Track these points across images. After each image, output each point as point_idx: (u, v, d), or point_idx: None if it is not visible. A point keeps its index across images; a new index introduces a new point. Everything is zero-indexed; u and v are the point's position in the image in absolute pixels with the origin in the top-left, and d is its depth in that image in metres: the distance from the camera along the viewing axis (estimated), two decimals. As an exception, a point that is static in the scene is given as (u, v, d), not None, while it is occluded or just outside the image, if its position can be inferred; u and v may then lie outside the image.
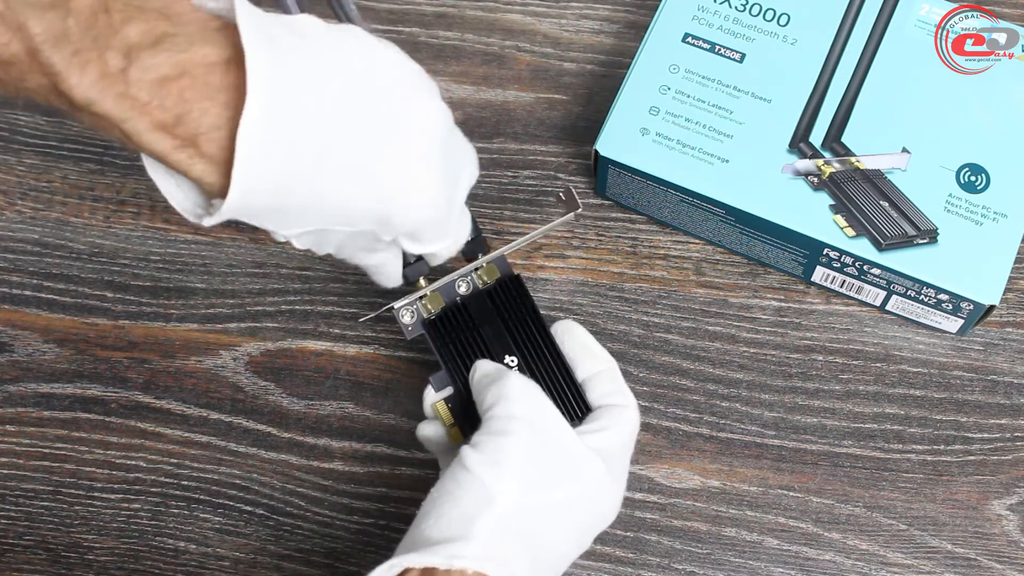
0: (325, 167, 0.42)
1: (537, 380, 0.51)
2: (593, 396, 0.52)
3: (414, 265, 0.53)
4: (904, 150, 0.61)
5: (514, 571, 0.44)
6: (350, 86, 0.43)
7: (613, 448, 0.49)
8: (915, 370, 0.62)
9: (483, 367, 0.51)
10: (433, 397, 0.53)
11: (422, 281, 0.53)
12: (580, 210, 0.54)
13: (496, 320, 0.53)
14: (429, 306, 0.53)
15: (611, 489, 0.49)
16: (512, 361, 0.52)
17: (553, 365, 0.52)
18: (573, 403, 0.51)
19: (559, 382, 0.52)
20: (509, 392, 0.48)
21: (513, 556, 0.45)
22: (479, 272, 0.54)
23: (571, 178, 0.67)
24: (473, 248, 0.54)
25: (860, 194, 0.60)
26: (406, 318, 0.53)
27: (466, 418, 0.52)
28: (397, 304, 0.53)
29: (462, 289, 0.54)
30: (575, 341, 0.53)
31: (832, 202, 0.60)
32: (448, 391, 0.53)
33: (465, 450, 0.47)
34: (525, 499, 0.46)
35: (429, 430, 0.53)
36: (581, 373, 0.52)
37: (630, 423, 0.51)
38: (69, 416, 0.63)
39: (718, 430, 0.61)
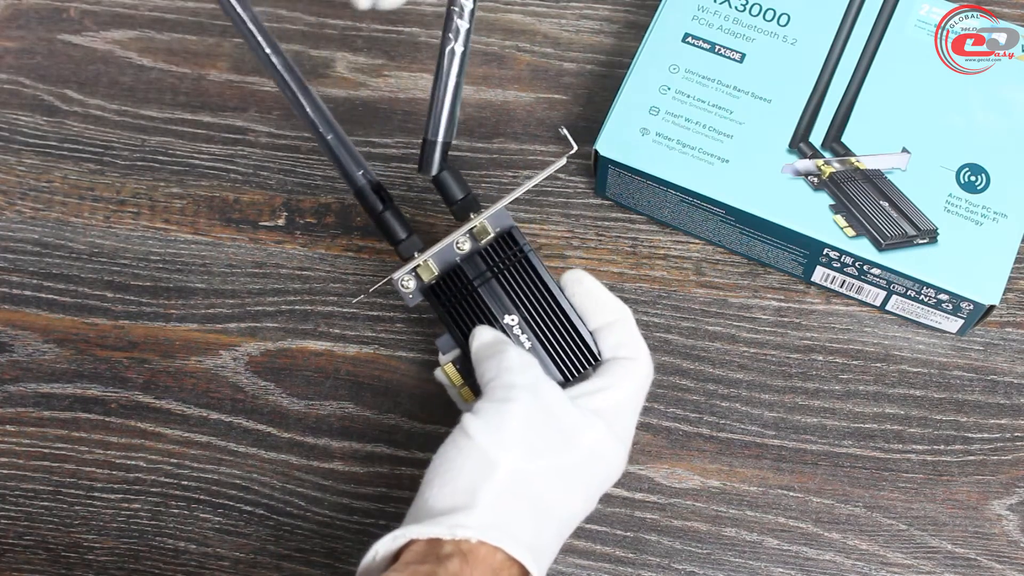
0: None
1: (537, 335, 0.51)
2: (604, 347, 0.51)
3: (406, 241, 0.53)
4: (904, 150, 0.61)
5: (518, 538, 0.44)
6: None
7: (617, 406, 0.49)
8: (915, 370, 0.62)
9: (481, 335, 0.51)
10: (441, 360, 0.53)
11: (416, 253, 0.53)
12: (575, 151, 0.53)
13: (492, 279, 0.53)
14: (427, 273, 0.53)
15: (614, 450, 0.49)
16: (512, 320, 0.52)
17: (555, 318, 0.52)
18: (576, 356, 0.51)
19: (560, 335, 0.51)
20: (510, 363, 0.49)
21: (517, 522, 0.45)
22: (473, 231, 0.53)
23: (571, 178, 0.67)
24: (464, 208, 0.53)
25: (860, 194, 0.60)
26: (405, 287, 0.53)
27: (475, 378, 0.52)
28: (396, 275, 0.53)
29: (458, 251, 0.53)
30: (584, 291, 0.52)
31: (832, 202, 0.60)
32: (455, 353, 0.53)
33: (467, 417, 0.47)
34: (527, 465, 0.46)
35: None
36: (592, 323, 0.52)
37: (638, 376, 0.50)
38: (69, 416, 0.63)
39: (718, 430, 0.61)
